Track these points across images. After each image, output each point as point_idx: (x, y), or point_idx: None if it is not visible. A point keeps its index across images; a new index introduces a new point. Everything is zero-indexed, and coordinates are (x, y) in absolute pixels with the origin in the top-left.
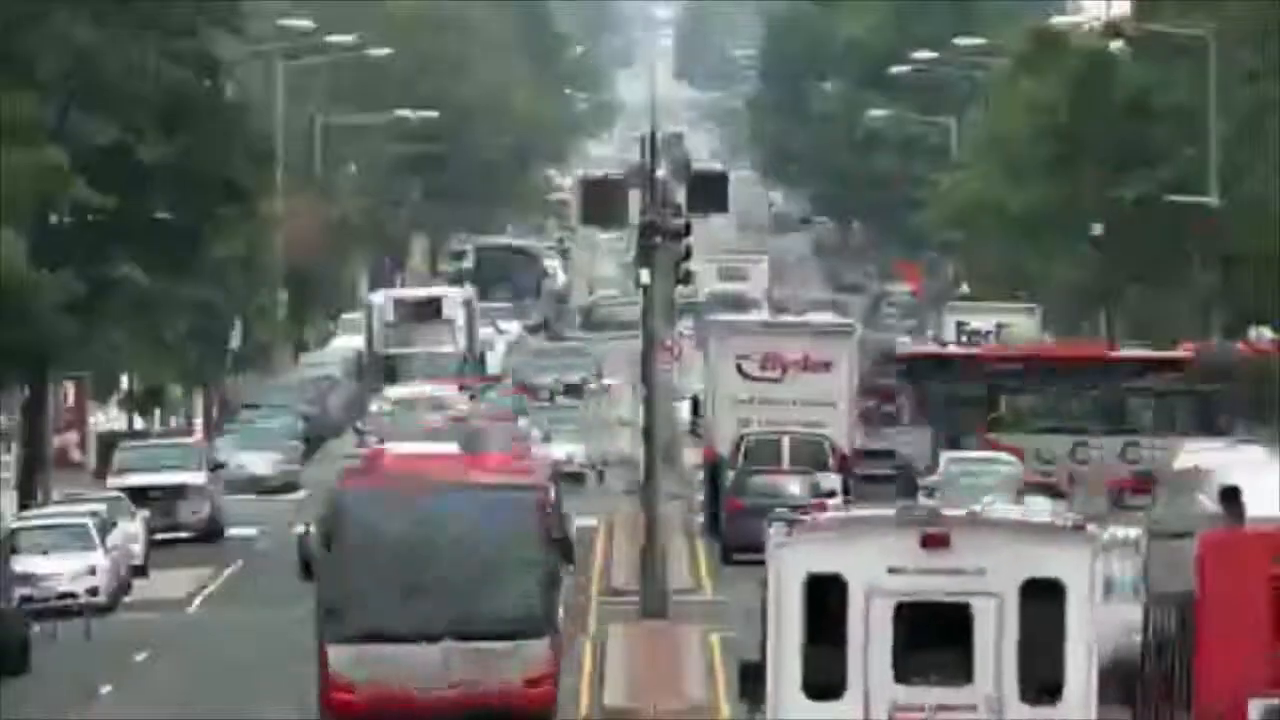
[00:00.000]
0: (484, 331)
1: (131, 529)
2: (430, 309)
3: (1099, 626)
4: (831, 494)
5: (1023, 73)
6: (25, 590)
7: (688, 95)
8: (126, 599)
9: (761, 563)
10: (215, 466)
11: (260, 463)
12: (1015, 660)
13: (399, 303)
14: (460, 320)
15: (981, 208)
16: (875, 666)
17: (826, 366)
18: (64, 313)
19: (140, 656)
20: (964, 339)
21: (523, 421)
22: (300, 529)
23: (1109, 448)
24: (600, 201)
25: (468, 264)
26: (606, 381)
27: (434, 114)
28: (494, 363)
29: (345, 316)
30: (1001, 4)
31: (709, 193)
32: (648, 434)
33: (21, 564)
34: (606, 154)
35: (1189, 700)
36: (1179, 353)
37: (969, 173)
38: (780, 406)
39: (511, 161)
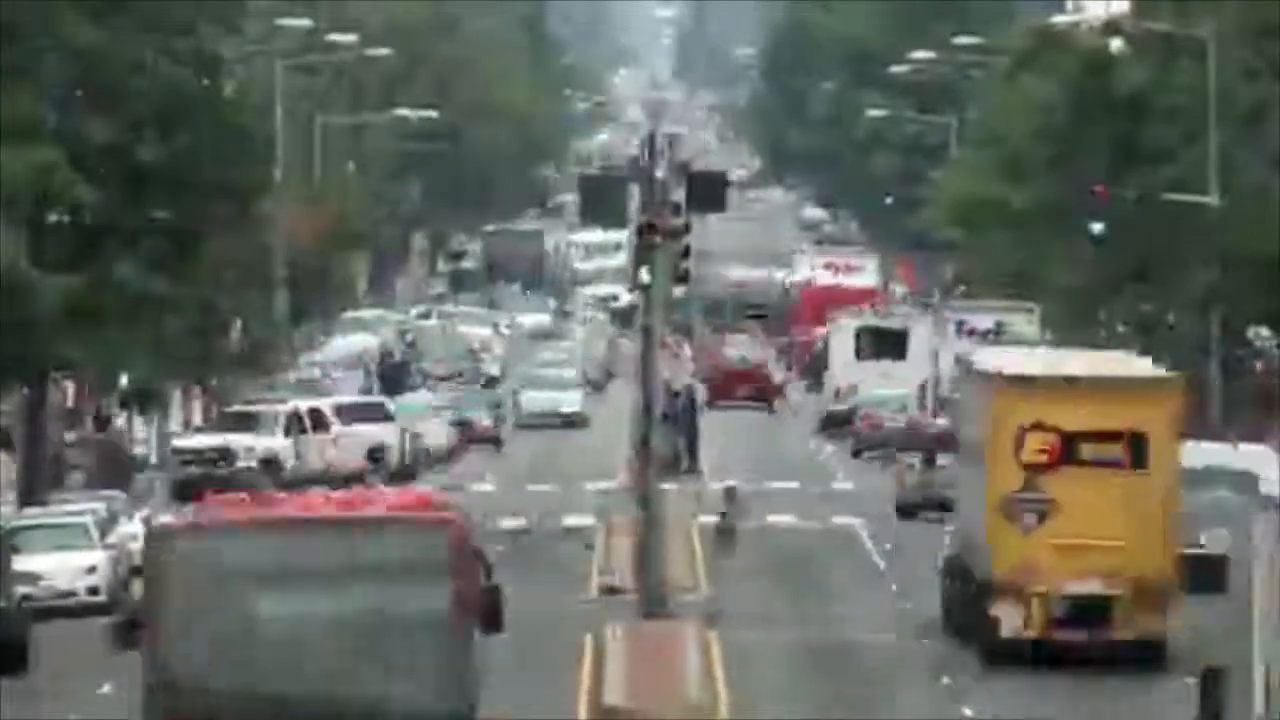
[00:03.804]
0: (483, 333)
1: (131, 528)
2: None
3: None
4: None
5: (1022, 71)
6: (25, 589)
7: (686, 95)
8: (126, 598)
9: None
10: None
11: None
12: None
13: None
14: None
15: (981, 206)
16: None
17: None
18: (63, 312)
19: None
20: (963, 338)
21: None
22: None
23: None
24: (600, 199)
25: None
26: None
27: (434, 114)
28: (493, 366)
29: (347, 315)
30: (1001, 4)
31: (708, 192)
32: (644, 436)
33: (21, 563)
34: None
35: None
36: None
37: (967, 169)
38: None
39: (510, 161)
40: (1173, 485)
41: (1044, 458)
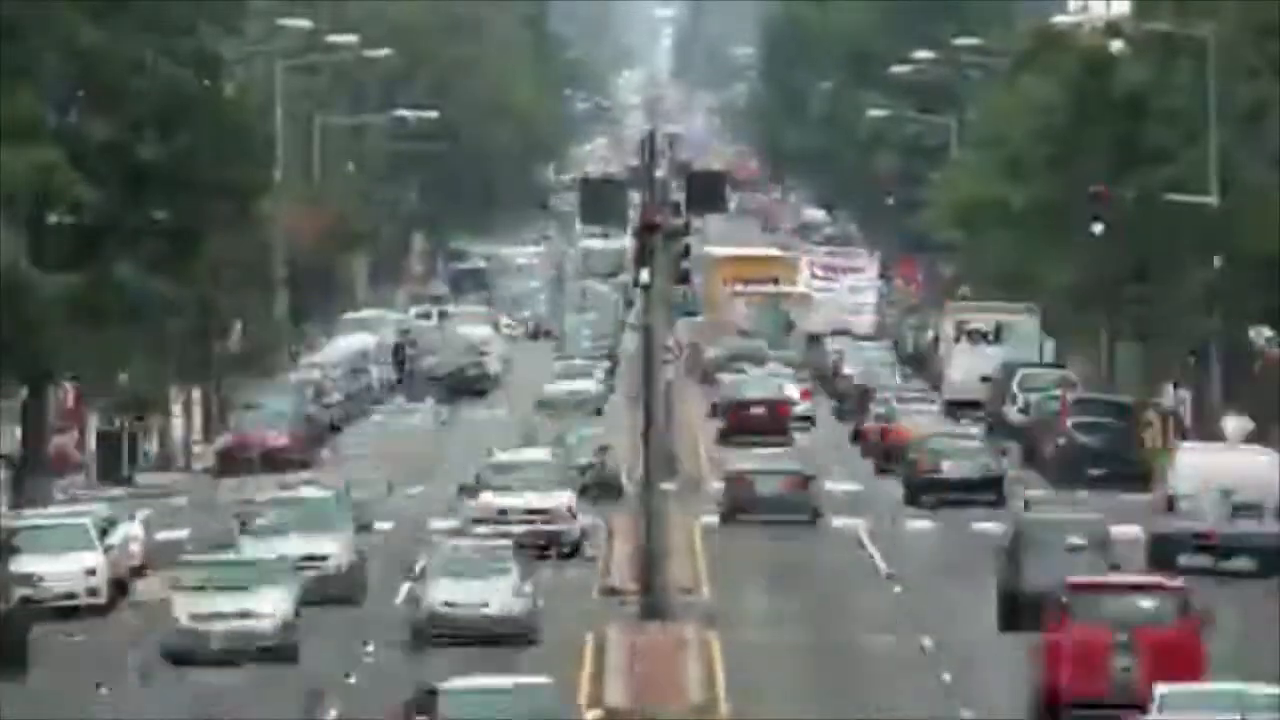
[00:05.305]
0: (483, 332)
1: (131, 529)
2: None
3: None
4: None
5: (1022, 72)
6: (25, 591)
7: (685, 94)
8: (126, 599)
9: None
10: None
11: None
12: None
13: None
14: None
15: (981, 207)
16: None
17: None
18: (63, 312)
19: (139, 657)
20: (962, 338)
21: None
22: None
23: None
24: (600, 201)
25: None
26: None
27: (434, 114)
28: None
29: (347, 316)
30: (1001, 4)
31: (708, 192)
32: (646, 434)
33: (22, 564)
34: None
35: None
36: None
37: (967, 170)
38: None
39: (511, 161)
40: None
41: None
